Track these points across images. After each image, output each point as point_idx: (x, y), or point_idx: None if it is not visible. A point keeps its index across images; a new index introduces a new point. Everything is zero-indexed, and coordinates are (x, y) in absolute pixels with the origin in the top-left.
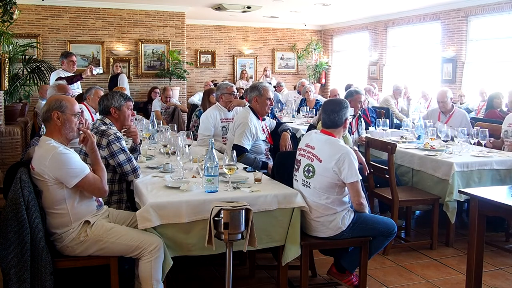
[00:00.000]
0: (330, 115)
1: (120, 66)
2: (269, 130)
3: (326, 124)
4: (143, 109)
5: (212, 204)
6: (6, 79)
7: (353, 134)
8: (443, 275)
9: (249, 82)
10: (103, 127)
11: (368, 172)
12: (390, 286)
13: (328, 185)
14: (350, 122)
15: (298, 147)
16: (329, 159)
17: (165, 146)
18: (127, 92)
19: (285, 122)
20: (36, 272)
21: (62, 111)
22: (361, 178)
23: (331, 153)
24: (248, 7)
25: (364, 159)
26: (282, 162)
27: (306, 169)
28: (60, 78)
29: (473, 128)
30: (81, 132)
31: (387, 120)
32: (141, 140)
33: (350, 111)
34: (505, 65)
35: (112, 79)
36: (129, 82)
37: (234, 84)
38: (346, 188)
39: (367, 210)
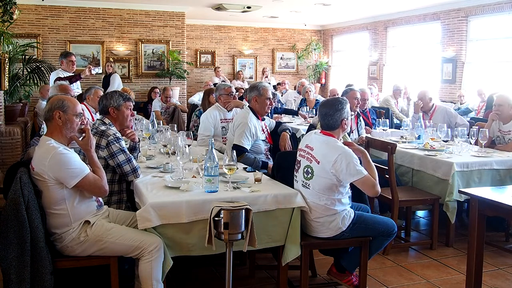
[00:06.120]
0: (325, 119)
1: (111, 66)
2: (268, 130)
3: (323, 127)
4: (143, 109)
5: (212, 204)
6: (6, 79)
7: (352, 133)
8: (443, 275)
9: (244, 83)
10: (103, 127)
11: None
12: (390, 286)
13: (327, 186)
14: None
15: (299, 147)
16: (326, 160)
17: (165, 146)
18: None
19: (285, 122)
20: (36, 272)
21: (64, 111)
22: (366, 173)
23: (328, 155)
24: (248, 7)
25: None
26: (282, 162)
27: (305, 170)
28: (59, 78)
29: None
30: (83, 134)
31: (387, 120)
32: (139, 139)
33: (347, 111)
34: (505, 65)
35: (105, 79)
36: (129, 82)
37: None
38: (346, 189)
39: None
